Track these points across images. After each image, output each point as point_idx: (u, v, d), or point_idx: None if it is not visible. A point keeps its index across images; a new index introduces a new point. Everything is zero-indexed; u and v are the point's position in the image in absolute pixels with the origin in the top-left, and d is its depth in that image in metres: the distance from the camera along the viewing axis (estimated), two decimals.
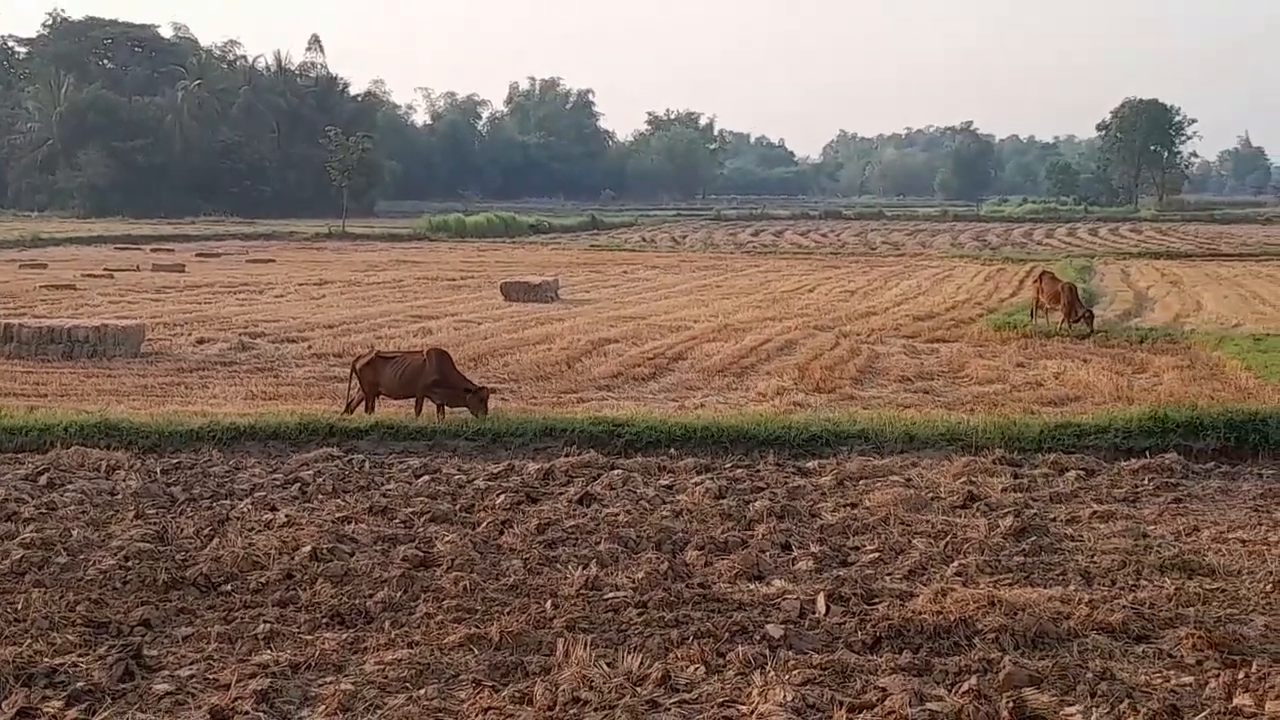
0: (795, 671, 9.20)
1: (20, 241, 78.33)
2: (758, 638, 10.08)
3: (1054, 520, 14.18)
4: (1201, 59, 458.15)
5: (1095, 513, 14.43)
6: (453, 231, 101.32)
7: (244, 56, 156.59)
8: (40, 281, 48.29)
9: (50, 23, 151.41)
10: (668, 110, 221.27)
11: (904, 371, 26.63)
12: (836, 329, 34.16)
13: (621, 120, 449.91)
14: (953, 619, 10.37)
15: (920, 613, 10.60)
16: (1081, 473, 16.47)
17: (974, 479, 15.98)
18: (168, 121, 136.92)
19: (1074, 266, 56.78)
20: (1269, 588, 11.50)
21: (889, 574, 12.06)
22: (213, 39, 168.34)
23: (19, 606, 10.73)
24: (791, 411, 20.97)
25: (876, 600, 11.09)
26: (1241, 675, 9.19)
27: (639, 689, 9.00)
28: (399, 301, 42.91)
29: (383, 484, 15.84)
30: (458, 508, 14.63)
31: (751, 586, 11.67)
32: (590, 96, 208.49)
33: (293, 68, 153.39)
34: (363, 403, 20.12)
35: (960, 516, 14.30)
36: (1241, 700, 8.80)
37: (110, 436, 17.99)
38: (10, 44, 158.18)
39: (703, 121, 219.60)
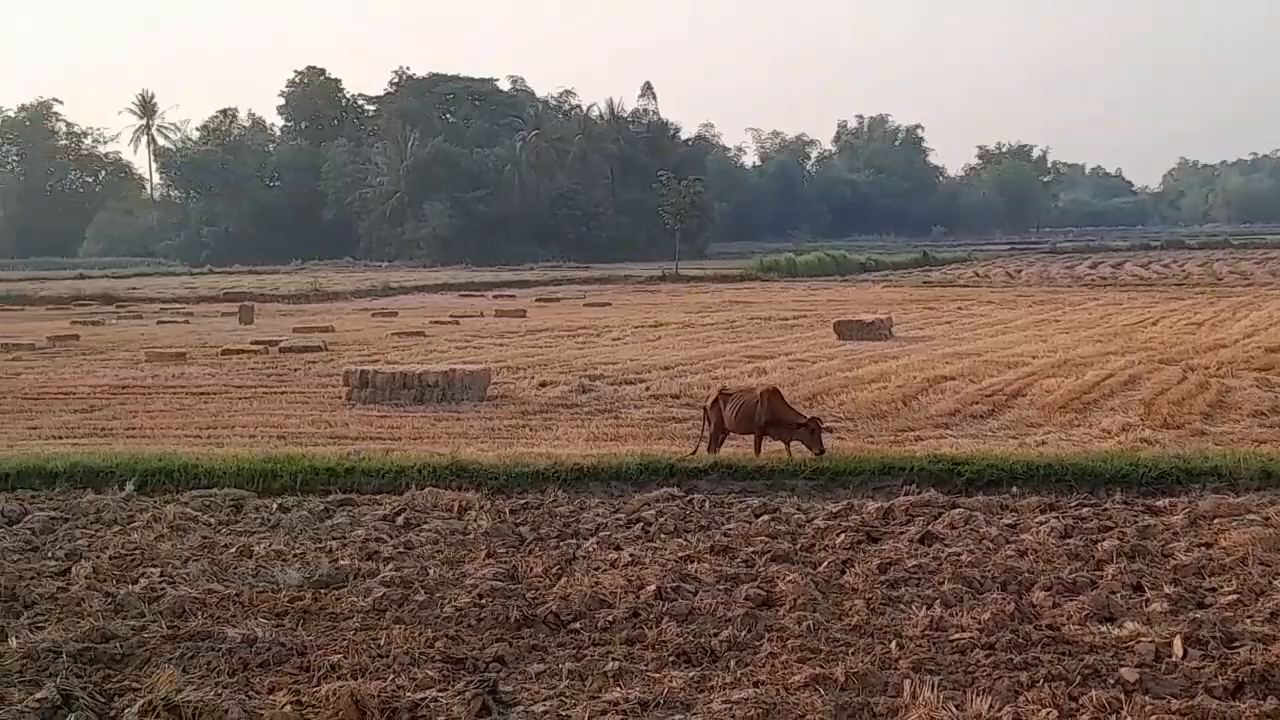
0: (1153, 717, 8.94)
1: (372, 291, 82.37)
2: (1111, 681, 9.82)
3: None
4: None
5: None
6: (783, 271, 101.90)
7: (578, 106, 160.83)
8: (391, 329, 50.55)
9: (396, 80, 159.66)
10: (999, 144, 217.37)
11: (1258, 406, 25.48)
12: (1183, 362, 32.96)
13: (951, 155, 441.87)
14: None
15: None
16: None
17: None
18: (506, 171, 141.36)
19: None
20: None
21: (1249, 616, 11.57)
22: (548, 90, 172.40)
23: (381, 643, 11.16)
24: (1138, 448, 20.32)
25: (1237, 644, 10.65)
26: None
27: None
28: (733, 342, 43.25)
29: (723, 523, 15.95)
30: (798, 547, 14.65)
31: (1103, 628, 11.35)
32: (919, 132, 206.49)
33: (625, 115, 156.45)
34: (711, 441, 20.26)
35: None
36: None
37: (461, 477, 18.56)
38: (360, 102, 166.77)
39: (1035, 154, 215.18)
